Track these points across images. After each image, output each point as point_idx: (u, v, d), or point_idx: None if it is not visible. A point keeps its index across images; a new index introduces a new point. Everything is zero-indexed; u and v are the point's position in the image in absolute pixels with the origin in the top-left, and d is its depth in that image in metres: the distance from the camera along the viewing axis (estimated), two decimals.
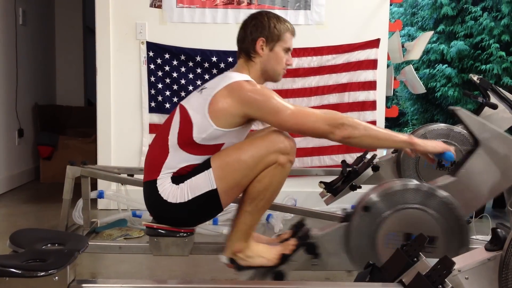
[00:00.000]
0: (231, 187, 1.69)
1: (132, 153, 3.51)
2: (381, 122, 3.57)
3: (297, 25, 3.53)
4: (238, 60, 1.85)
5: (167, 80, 3.50)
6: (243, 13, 3.51)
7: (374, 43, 3.53)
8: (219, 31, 3.52)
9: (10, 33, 4.19)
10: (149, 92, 3.51)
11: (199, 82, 3.51)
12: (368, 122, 3.48)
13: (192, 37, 3.50)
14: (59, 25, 5.38)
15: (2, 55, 4.05)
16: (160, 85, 3.51)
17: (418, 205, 1.74)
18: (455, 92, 11.27)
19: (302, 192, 3.36)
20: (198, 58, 3.49)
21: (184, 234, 1.76)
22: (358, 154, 3.07)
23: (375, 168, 2.74)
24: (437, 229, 1.73)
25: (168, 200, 1.68)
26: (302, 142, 3.54)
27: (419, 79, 4.08)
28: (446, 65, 11.46)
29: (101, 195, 3.11)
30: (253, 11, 3.51)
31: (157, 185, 1.70)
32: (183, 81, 3.50)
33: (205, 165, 1.69)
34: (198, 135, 1.68)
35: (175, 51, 3.49)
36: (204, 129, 1.68)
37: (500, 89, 2.92)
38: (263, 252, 1.77)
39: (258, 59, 1.80)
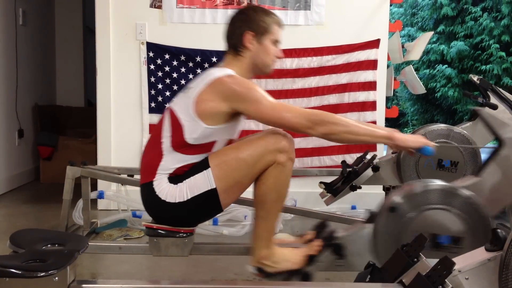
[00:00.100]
0: (231, 186, 1.69)
1: (132, 153, 3.50)
2: (381, 122, 3.57)
3: (297, 25, 3.54)
4: (226, 56, 1.85)
5: (167, 81, 3.50)
6: None
7: (374, 44, 3.53)
8: (219, 32, 3.46)
9: (10, 33, 4.19)
10: (149, 93, 3.51)
11: None
12: (368, 122, 3.50)
13: (192, 37, 3.50)
14: (59, 25, 5.38)
15: (2, 55, 4.05)
16: (160, 86, 3.51)
17: (443, 206, 1.73)
18: (455, 92, 11.28)
19: (302, 192, 3.36)
20: (198, 59, 3.49)
21: (184, 235, 1.75)
22: (358, 155, 3.07)
23: (375, 169, 2.74)
24: (463, 229, 1.72)
25: (167, 200, 1.68)
26: (302, 142, 3.54)
27: (419, 80, 4.08)
28: (446, 65, 11.47)
29: (101, 195, 3.11)
30: None
31: (153, 186, 1.70)
32: (183, 82, 3.50)
33: (204, 165, 1.69)
34: (190, 136, 1.69)
35: (175, 52, 3.49)
36: (194, 130, 1.68)
37: (500, 89, 2.92)
38: (288, 255, 1.75)
39: (247, 53, 1.80)
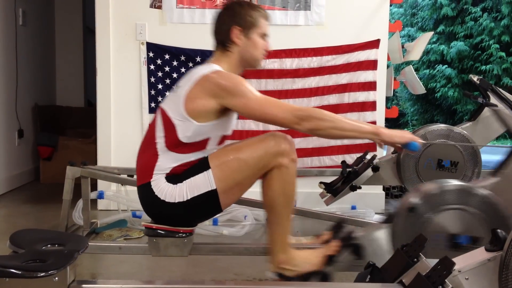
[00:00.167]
0: (231, 187, 1.69)
1: (132, 153, 3.45)
2: (381, 122, 3.57)
3: (297, 25, 3.54)
4: (215, 52, 1.85)
5: (167, 81, 3.50)
6: None
7: (374, 44, 3.53)
8: None
9: (10, 34, 4.19)
10: (149, 93, 3.51)
11: None
12: (368, 122, 3.50)
13: (192, 37, 3.50)
14: (59, 25, 5.38)
15: (2, 55, 4.05)
16: (160, 86, 3.51)
17: (462, 205, 1.73)
18: (455, 92, 11.29)
19: (302, 192, 3.34)
20: (198, 59, 3.49)
21: (183, 235, 1.75)
22: (358, 155, 3.07)
23: (375, 169, 2.74)
24: (482, 229, 1.71)
25: (166, 200, 1.68)
26: (302, 142, 3.54)
27: (419, 80, 4.09)
28: (446, 65, 11.48)
29: (101, 195, 3.11)
30: None
31: (152, 187, 1.70)
32: None
33: (204, 166, 1.69)
34: (183, 135, 1.69)
35: (175, 52, 3.49)
36: (187, 128, 1.68)
37: (500, 89, 2.93)
38: (307, 257, 1.74)
39: (235, 48, 1.80)
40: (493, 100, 2.89)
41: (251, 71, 3.50)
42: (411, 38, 11.93)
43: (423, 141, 1.81)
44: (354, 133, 1.69)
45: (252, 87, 1.69)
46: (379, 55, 3.53)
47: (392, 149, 3.10)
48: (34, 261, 1.23)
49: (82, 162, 2.71)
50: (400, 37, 3.89)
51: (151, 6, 3.50)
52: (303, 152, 3.55)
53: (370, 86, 3.53)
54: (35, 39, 4.76)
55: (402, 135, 1.72)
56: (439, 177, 2.65)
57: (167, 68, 3.50)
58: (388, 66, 3.66)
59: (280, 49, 3.51)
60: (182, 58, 3.50)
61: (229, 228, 2.91)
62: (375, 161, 2.77)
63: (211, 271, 2.32)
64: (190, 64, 3.50)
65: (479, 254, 1.34)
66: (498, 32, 10.86)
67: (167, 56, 3.49)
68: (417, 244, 1.42)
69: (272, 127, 3.34)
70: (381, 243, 1.77)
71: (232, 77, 1.70)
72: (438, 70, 11.61)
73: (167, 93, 3.49)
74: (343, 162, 2.90)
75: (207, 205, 1.71)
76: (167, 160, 1.70)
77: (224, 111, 1.71)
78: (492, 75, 10.80)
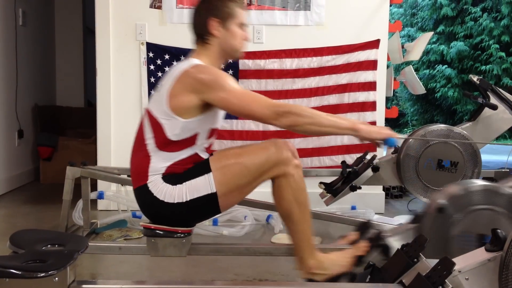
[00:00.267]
0: (231, 191, 1.69)
1: None
2: (381, 122, 3.57)
3: (297, 25, 3.54)
4: (196, 47, 1.84)
5: None
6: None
7: (374, 44, 3.53)
8: None
9: (10, 34, 4.19)
10: (149, 93, 3.51)
11: None
12: (368, 122, 3.50)
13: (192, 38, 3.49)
14: (59, 26, 5.39)
15: (2, 55, 4.05)
16: None
17: (490, 206, 1.73)
18: (455, 92, 11.30)
19: None
20: None
21: (182, 235, 1.75)
22: (358, 155, 3.07)
23: (375, 169, 2.75)
24: (511, 228, 1.71)
25: (166, 200, 1.68)
26: (302, 143, 3.54)
27: (419, 80, 4.09)
28: (446, 65, 11.49)
29: (101, 196, 3.11)
30: (253, 12, 3.55)
31: (149, 188, 1.70)
32: None
33: (205, 168, 1.69)
34: (172, 133, 1.68)
35: (175, 52, 3.49)
36: (174, 126, 1.68)
37: (500, 89, 2.93)
38: (336, 260, 1.73)
39: (214, 40, 1.79)
40: (493, 100, 2.89)
41: (251, 71, 3.50)
42: (411, 38, 11.94)
43: (401, 137, 1.81)
44: (332, 129, 1.68)
45: (232, 81, 1.68)
46: (379, 55, 3.53)
47: (392, 149, 3.10)
48: (34, 262, 1.23)
49: (82, 162, 2.71)
50: (400, 37, 3.89)
51: (151, 6, 3.50)
52: (303, 152, 3.55)
53: (370, 86, 3.54)
54: (35, 39, 4.76)
55: (380, 131, 1.71)
56: (439, 177, 2.66)
57: (167, 68, 3.50)
58: (388, 66, 3.66)
59: (280, 49, 3.52)
60: (182, 58, 3.50)
61: (229, 228, 2.91)
62: (375, 161, 2.77)
63: (211, 272, 2.32)
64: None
65: (479, 254, 1.34)
66: (498, 32, 10.86)
67: (167, 56, 3.49)
68: (417, 244, 1.42)
69: (272, 127, 3.34)
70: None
71: (211, 71, 1.69)
72: (438, 70, 11.62)
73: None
74: (343, 162, 2.90)
75: (206, 207, 1.71)
76: (159, 160, 1.70)
77: (208, 105, 1.69)
78: (492, 75, 10.80)
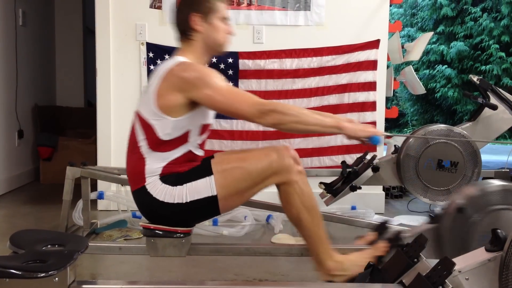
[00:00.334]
0: (232, 195, 1.69)
1: None
2: (381, 123, 3.57)
3: (297, 26, 3.54)
4: (180, 44, 1.83)
5: None
6: (243, 14, 3.52)
7: (374, 44, 3.53)
8: None
9: (10, 34, 4.19)
10: None
11: None
12: (368, 123, 3.51)
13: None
14: (59, 26, 5.39)
15: (2, 56, 4.05)
16: None
17: (511, 206, 1.72)
18: (455, 92, 11.30)
19: None
20: None
21: (181, 235, 1.75)
22: (358, 155, 3.07)
23: (375, 169, 2.75)
24: None
25: (165, 201, 1.68)
26: (302, 143, 3.54)
27: (419, 80, 4.09)
28: (446, 66, 11.49)
29: (101, 196, 3.11)
30: (253, 12, 3.55)
31: (148, 190, 1.69)
32: None
33: (206, 171, 1.69)
34: (163, 133, 1.68)
35: None
36: (165, 126, 1.67)
37: (500, 89, 2.93)
38: (355, 260, 1.73)
39: (198, 36, 1.78)
40: (493, 100, 2.89)
41: (251, 71, 3.50)
42: (411, 38, 11.94)
43: (386, 134, 1.80)
44: (317, 127, 1.67)
45: (218, 78, 1.67)
46: (379, 55, 3.53)
47: (392, 149, 3.10)
48: (34, 262, 1.23)
49: (82, 162, 2.70)
50: (400, 37, 3.89)
51: (151, 7, 3.50)
52: (303, 152, 3.55)
53: (370, 86, 3.54)
54: (35, 39, 4.76)
55: (364, 129, 1.70)
56: (439, 177, 2.66)
57: None
58: (388, 66, 3.66)
59: (280, 49, 3.52)
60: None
61: (229, 228, 2.91)
62: (375, 162, 2.77)
63: (211, 272, 2.32)
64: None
65: (479, 254, 1.34)
66: (498, 32, 10.86)
67: (167, 57, 3.49)
68: (417, 245, 1.42)
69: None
70: (429, 244, 1.76)
71: (196, 68, 1.68)
72: (438, 70, 11.61)
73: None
74: (343, 162, 2.90)
75: (206, 209, 1.71)
76: (154, 161, 1.70)
77: (196, 103, 1.68)
78: (492, 75, 10.80)
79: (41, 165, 4.50)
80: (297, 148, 3.55)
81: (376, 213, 3.38)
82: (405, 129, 13.46)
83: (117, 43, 3.51)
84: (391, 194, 4.06)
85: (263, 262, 2.40)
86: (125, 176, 2.67)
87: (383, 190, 3.71)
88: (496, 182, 1.79)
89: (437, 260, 1.26)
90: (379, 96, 3.55)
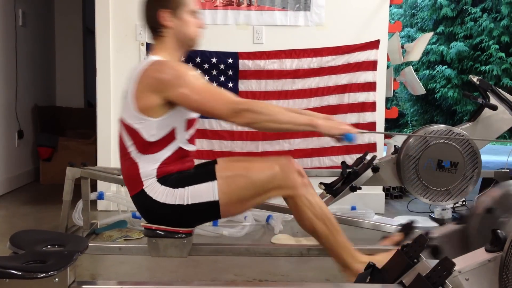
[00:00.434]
0: (234, 202, 1.69)
1: None
2: (381, 123, 3.57)
3: (297, 26, 3.54)
4: (153, 42, 1.81)
5: None
6: (243, 14, 3.52)
7: (373, 44, 3.53)
8: (219, 32, 3.53)
9: (10, 34, 4.19)
10: None
11: None
12: (367, 123, 3.51)
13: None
14: (59, 26, 5.39)
15: (2, 56, 4.05)
16: None
17: None
18: (454, 93, 11.29)
19: None
20: (198, 59, 3.49)
21: (183, 235, 1.75)
22: (358, 155, 3.07)
23: (375, 169, 2.74)
24: None
25: (166, 202, 1.67)
26: (302, 143, 3.54)
27: (418, 80, 4.09)
28: (446, 66, 11.48)
29: (101, 196, 3.11)
30: (253, 12, 3.55)
31: (147, 193, 1.69)
32: None
33: (210, 176, 1.68)
34: (149, 135, 1.67)
35: None
36: (149, 128, 1.66)
37: (500, 90, 2.93)
38: (383, 260, 1.69)
39: (168, 32, 1.76)
40: (493, 100, 2.89)
41: (251, 72, 3.50)
42: (410, 38, 11.93)
43: (360, 131, 1.79)
44: (290, 126, 1.66)
45: (193, 75, 1.65)
46: (379, 55, 3.53)
47: (392, 149, 3.10)
48: (34, 262, 1.23)
49: (82, 163, 2.70)
50: (400, 37, 3.89)
51: None
52: (303, 153, 3.55)
53: (370, 86, 3.54)
54: (35, 40, 4.76)
55: (338, 126, 1.69)
56: (439, 177, 2.66)
57: None
58: (388, 67, 3.66)
59: (279, 49, 3.52)
60: (182, 58, 3.49)
61: (229, 228, 2.91)
62: (375, 162, 2.77)
63: (211, 272, 2.32)
64: (190, 65, 3.49)
65: (479, 255, 1.34)
66: (498, 33, 10.85)
67: None
68: (417, 245, 1.42)
69: None
70: (454, 244, 1.76)
71: (170, 66, 1.66)
72: (437, 71, 11.61)
73: None
74: (343, 162, 2.90)
75: (207, 213, 1.70)
76: (147, 164, 1.69)
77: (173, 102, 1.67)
78: (492, 75, 10.80)
79: (41, 165, 4.50)
80: (297, 148, 3.55)
81: (376, 214, 3.38)
82: (405, 129, 13.46)
83: (117, 44, 3.51)
84: (391, 194, 4.06)
85: (263, 262, 2.40)
86: None
87: (383, 190, 3.71)
88: None
89: (437, 261, 1.26)
90: (379, 96, 3.55)
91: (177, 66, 1.67)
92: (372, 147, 3.53)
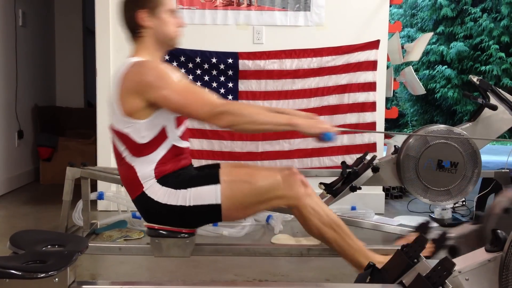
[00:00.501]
0: (235, 207, 1.69)
1: None
2: (381, 123, 3.57)
3: (297, 26, 3.54)
4: (133, 43, 1.80)
5: None
6: (243, 14, 3.52)
7: (373, 44, 3.53)
8: (219, 32, 3.53)
9: (10, 35, 4.19)
10: None
11: (199, 83, 3.51)
12: (367, 123, 3.51)
13: (192, 38, 3.50)
14: (59, 26, 5.39)
15: (2, 56, 4.05)
16: None
17: None
18: (454, 93, 11.29)
19: None
20: (198, 59, 3.49)
21: (186, 235, 1.75)
22: (358, 155, 3.07)
23: (375, 169, 2.74)
24: None
25: (168, 203, 1.67)
26: (302, 143, 3.54)
27: (418, 80, 4.09)
28: (446, 66, 11.48)
29: (101, 196, 3.11)
30: (253, 12, 3.55)
31: (148, 195, 1.69)
32: None
33: (214, 179, 1.69)
34: (140, 137, 1.67)
35: (175, 53, 3.49)
36: (139, 130, 1.66)
37: (500, 90, 2.93)
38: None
39: (147, 32, 1.75)
40: (493, 100, 2.89)
41: (251, 72, 3.50)
42: (410, 38, 11.93)
43: (340, 130, 1.78)
44: (270, 126, 1.65)
45: (173, 75, 1.64)
46: (379, 55, 3.53)
47: (392, 149, 3.10)
48: (34, 262, 1.23)
49: (82, 163, 2.70)
50: (400, 37, 3.89)
51: None
52: (303, 153, 3.55)
53: (370, 86, 3.54)
54: (35, 40, 4.76)
55: (316, 125, 1.67)
56: (439, 177, 2.66)
57: None
58: (388, 67, 3.66)
59: (279, 49, 3.52)
60: (182, 58, 3.50)
61: (229, 229, 2.91)
62: (375, 162, 2.77)
63: (211, 272, 2.32)
64: (190, 65, 3.50)
65: (479, 255, 1.34)
66: (498, 33, 10.85)
67: (167, 57, 3.49)
68: (417, 245, 1.42)
69: None
70: (471, 244, 1.75)
71: (150, 68, 1.64)
72: (437, 71, 11.60)
73: None
74: (343, 162, 2.90)
75: (208, 215, 1.70)
76: (143, 167, 1.69)
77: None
78: (492, 75, 10.79)
79: (41, 165, 4.50)
80: (297, 148, 3.55)
81: (376, 214, 3.38)
82: (405, 130, 13.45)
83: (117, 44, 3.50)
84: (391, 194, 4.06)
85: (263, 262, 2.40)
86: None
87: (383, 190, 3.71)
88: None
89: (437, 261, 1.26)
90: (379, 96, 3.55)
91: (158, 67, 1.65)
92: (372, 147, 3.53)
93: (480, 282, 1.30)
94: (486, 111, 2.89)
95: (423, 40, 4.00)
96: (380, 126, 3.58)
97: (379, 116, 3.56)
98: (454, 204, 3.43)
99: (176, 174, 1.72)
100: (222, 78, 3.52)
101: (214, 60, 3.49)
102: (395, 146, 2.97)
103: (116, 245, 2.01)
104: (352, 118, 3.52)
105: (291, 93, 3.54)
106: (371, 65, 3.53)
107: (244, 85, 3.52)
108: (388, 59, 3.67)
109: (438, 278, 1.22)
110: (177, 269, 2.34)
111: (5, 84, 4.09)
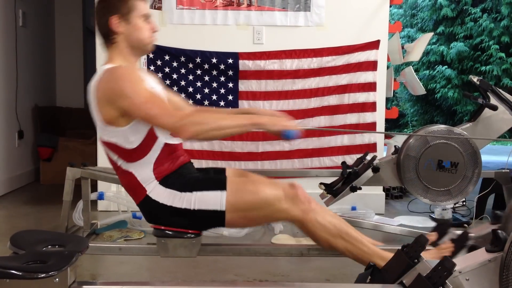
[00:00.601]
0: (239, 216, 1.68)
1: None
2: (381, 123, 3.57)
3: (297, 26, 3.54)
4: (106, 50, 1.79)
5: (167, 82, 3.50)
6: (243, 15, 3.52)
7: (374, 45, 3.53)
8: (219, 33, 3.53)
9: (10, 35, 4.19)
10: None
11: (199, 84, 3.51)
12: (368, 123, 3.51)
13: (192, 38, 3.50)
14: (59, 26, 5.39)
15: (2, 56, 4.05)
16: None
17: None
18: (455, 93, 11.30)
19: None
20: (198, 60, 3.49)
21: (192, 235, 1.74)
22: (359, 155, 3.07)
23: (375, 170, 2.74)
24: None
25: (173, 205, 1.67)
26: (302, 143, 3.54)
27: (419, 81, 4.09)
28: (446, 66, 11.48)
29: (101, 196, 3.11)
30: (253, 12, 3.55)
31: (152, 198, 1.69)
32: (183, 83, 3.51)
33: (220, 185, 1.68)
34: (128, 143, 1.66)
35: (175, 53, 3.49)
36: (124, 137, 1.65)
37: (500, 90, 2.93)
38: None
39: (120, 37, 1.74)
40: (493, 101, 2.89)
41: (251, 72, 3.50)
42: (411, 39, 11.93)
43: (304, 128, 1.77)
44: (236, 129, 1.64)
45: (140, 84, 1.62)
46: (379, 56, 3.54)
47: (392, 150, 3.10)
48: (35, 262, 1.23)
49: (82, 163, 2.70)
50: (400, 38, 3.89)
51: (151, 7, 3.50)
52: (303, 153, 3.55)
53: (370, 87, 3.54)
54: (35, 40, 4.76)
55: (278, 122, 1.66)
56: (439, 178, 2.66)
57: (167, 69, 3.50)
58: (388, 67, 3.66)
59: (280, 50, 3.52)
60: (182, 59, 3.50)
61: (229, 228, 2.91)
62: (375, 162, 2.77)
63: (211, 272, 2.32)
64: (190, 65, 3.50)
65: (480, 255, 1.34)
66: (498, 33, 10.85)
67: (167, 57, 3.49)
68: (417, 245, 1.42)
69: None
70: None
71: (118, 76, 1.63)
72: (438, 71, 11.61)
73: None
74: (343, 163, 2.90)
75: (211, 220, 1.69)
76: (141, 170, 1.69)
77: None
78: (492, 75, 10.80)
79: (41, 165, 4.50)
80: (297, 148, 3.55)
81: (376, 214, 3.38)
82: (405, 130, 13.45)
83: None
84: (391, 194, 4.06)
85: (263, 262, 2.40)
86: None
87: (383, 190, 3.71)
88: None
89: (438, 261, 1.26)
90: (379, 96, 3.56)
91: (126, 75, 1.64)
92: (372, 147, 3.53)
93: (481, 282, 1.30)
94: (486, 111, 2.89)
95: (423, 40, 4.00)
96: (380, 126, 3.58)
97: (379, 116, 3.56)
98: (455, 204, 3.43)
99: (177, 175, 1.72)
100: (222, 78, 3.52)
101: (214, 60, 3.49)
102: (395, 146, 2.97)
103: (117, 245, 2.01)
104: (352, 118, 3.52)
105: (291, 93, 3.54)
106: (371, 65, 3.53)
107: (244, 85, 3.52)
108: (388, 59, 3.67)
109: (438, 278, 1.22)
110: (177, 269, 2.34)
111: (5, 84, 4.09)
